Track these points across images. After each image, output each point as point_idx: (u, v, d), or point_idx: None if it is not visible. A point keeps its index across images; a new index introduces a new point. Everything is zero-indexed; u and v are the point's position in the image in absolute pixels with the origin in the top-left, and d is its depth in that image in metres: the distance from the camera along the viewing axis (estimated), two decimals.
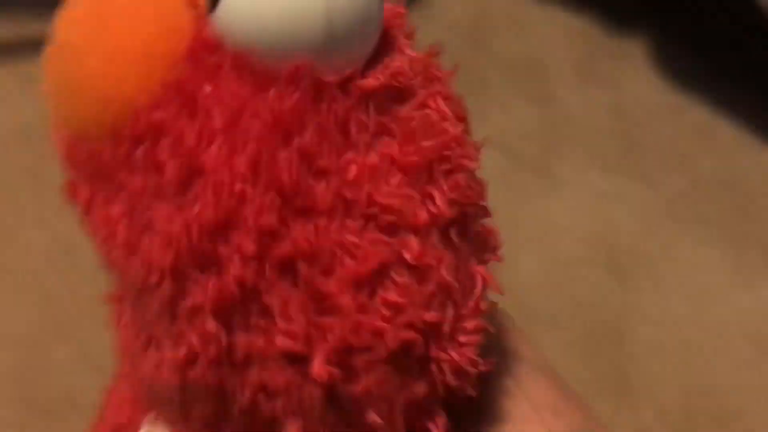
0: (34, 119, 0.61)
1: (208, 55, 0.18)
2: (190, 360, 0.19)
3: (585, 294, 0.58)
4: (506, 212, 0.60)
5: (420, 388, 0.20)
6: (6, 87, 0.67)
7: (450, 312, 0.20)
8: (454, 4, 0.84)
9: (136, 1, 0.18)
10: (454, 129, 0.20)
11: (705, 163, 0.67)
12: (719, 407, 0.52)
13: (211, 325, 0.18)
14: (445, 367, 0.20)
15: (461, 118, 0.21)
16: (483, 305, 0.21)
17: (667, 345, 0.55)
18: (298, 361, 0.18)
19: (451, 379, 0.20)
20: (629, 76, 0.75)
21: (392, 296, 0.18)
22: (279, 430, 0.19)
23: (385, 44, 0.20)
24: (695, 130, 0.69)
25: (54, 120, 0.19)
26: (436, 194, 0.19)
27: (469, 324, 0.20)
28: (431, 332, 0.19)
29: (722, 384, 0.53)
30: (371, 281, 0.18)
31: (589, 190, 0.65)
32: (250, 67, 0.18)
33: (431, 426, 0.21)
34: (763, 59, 0.73)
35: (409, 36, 0.21)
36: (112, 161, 0.18)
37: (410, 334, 0.19)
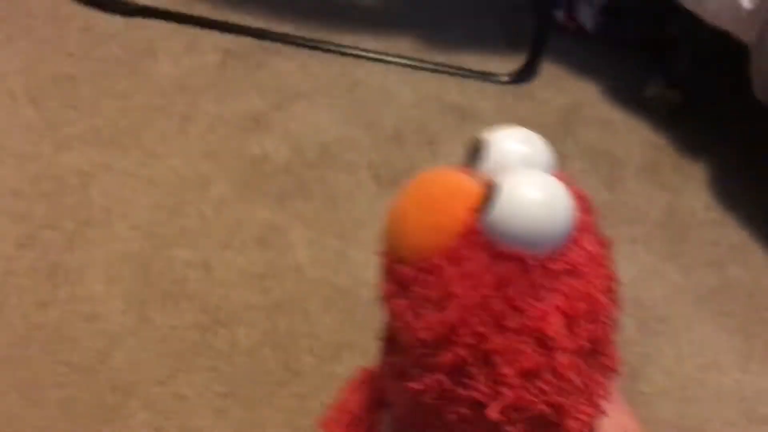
0: None
1: (472, 235, 0.32)
2: (424, 392, 0.33)
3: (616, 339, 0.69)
4: None
5: None
6: None
7: (573, 400, 0.32)
8: (555, 95, 0.98)
9: (443, 197, 0.33)
10: (600, 296, 0.34)
11: (735, 271, 0.78)
12: None
13: (441, 376, 0.32)
14: (565, 430, 0.33)
15: (610, 288, 0.36)
16: (599, 399, 0.34)
17: (672, 394, 0.66)
18: (482, 406, 0.32)
19: None
20: (687, 187, 0.88)
21: (542, 385, 0.32)
22: None
23: (573, 242, 0.34)
24: (733, 244, 0.81)
25: (385, 248, 0.35)
26: (581, 333, 0.32)
27: (587, 410, 0.33)
28: (560, 409, 0.32)
29: None
30: (532, 374, 0.31)
31: (633, 262, 0.77)
32: (492, 247, 0.32)
33: None
34: None
35: (595, 231, 0.36)
36: (409, 278, 0.33)
37: (547, 409, 0.32)
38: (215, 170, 0.78)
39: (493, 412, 0.32)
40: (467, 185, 0.33)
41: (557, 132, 0.92)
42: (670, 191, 0.87)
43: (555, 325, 0.32)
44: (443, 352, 0.32)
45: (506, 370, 0.32)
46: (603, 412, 0.34)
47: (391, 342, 0.37)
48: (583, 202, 0.35)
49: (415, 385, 0.33)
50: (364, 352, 0.38)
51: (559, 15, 1.11)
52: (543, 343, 0.32)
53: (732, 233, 0.83)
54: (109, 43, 0.93)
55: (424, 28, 1.06)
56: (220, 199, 0.75)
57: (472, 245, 0.32)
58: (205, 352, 0.62)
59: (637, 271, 0.76)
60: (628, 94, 1.00)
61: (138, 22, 0.97)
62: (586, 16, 1.10)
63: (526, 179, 0.32)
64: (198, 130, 0.83)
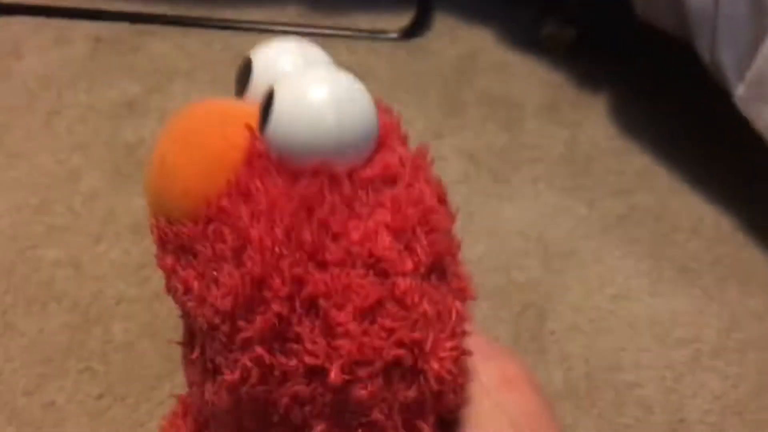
0: None
1: (258, 160, 0.27)
2: (243, 379, 0.26)
3: (519, 278, 0.66)
4: (468, 208, 0.69)
5: (411, 393, 0.27)
6: None
7: (431, 334, 0.27)
8: (448, 47, 0.95)
9: (210, 127, 0.27)
10: (431, 201, 0.29)
11: (641, 197, 0.76)
12: (619, 380, 0.59)
13: (259, 351, 0.26)
14: (429, 376, 0.27)
15: (440, 195, 0.30)
16: (459, 330, 0.28)
17: (582, 327, 0.63)
18: (319, 374, 0.26)
19: (434, 386, 0.27)
20: (588, 120, 0.85)
21: (387, 322, 0.26)
22: (309, 430, 0.26)
23: (382, 145, 0.29)
24: (637, 171, 0.79)
25: (150, 210, 0.28)
26: (418, 248, 0.27)
27: (447, 344, 0.27)
28: (416, 349, 0.26)
29: (624, 362, 0.60)
30: (371, 312, 0.26)
31: (537, 200, 0.74)
32: (286, 167, 0.27)
33: (422, 425, 0.27)
34: (707, 119, 0.84)
35: (403, 139, 0.30)
36: (191, 237, 0.27)
37: (400, 351, 0.26)
38: (85, 163, 0.73)
39: (335, 376, 0.25)
40: (236, 108, 0.28)
41: (454, 82, 0.88)
42: (570, 127, 0.84)
43: (385, 244, 0.26)
44: (253, 317, 0.26)
45: (338, 316, 0.26)
46: (467, 350, 0.28)
47: (190, 337, 0.30)
48: (382, 106, 0.30)
49: (230, 377, 0.27)
50: None
51: None
52: (376, 269, 0.26)
53: (636, 160, 0.81)
54: None
55: None
56: (92, 191, 0.70)
57: (258, 173, 0.26)
58: (76, 353, 0.57)
59: (540, 209, 0.73)
60: (523, 37, 0.98)
61: (2, 20, 0.91)
62: None
63: (306, 76, 0.27)
64: (66, 124, 0.78)
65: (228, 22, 0.96)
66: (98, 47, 0.89)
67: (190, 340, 0.31)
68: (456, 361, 0.28)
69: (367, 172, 0.28)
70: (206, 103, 0.28)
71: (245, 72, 0.29)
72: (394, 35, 0.95)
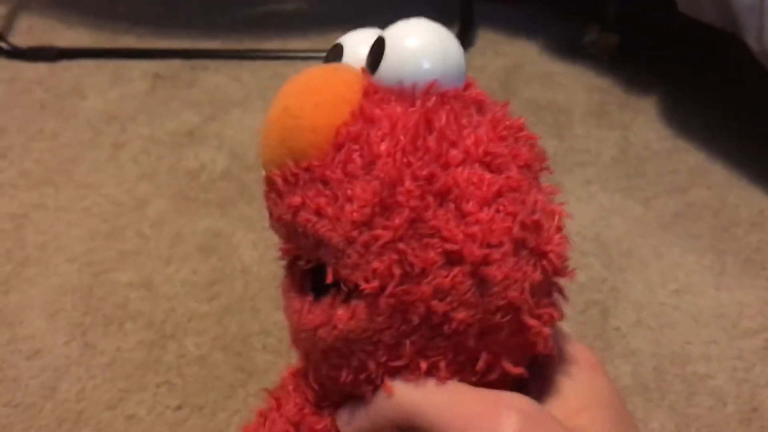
0: None
1: (374, 93, 0.29)
2: (383, 286, 0.27)
3: (581, 277, 0.66)
4: None
5: (537, 275, 0.28)
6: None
7: (545, 222, 0.28)
8: (494, 59, 0.97)
9: (327, 74, 0.30)
10: (518, 119, 0.31)
11: (697, 193, 0.76)
12: (688, 372, 0.59)
13: (401, 247, 0.27)
14: (552, 257, 0.28)
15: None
16: (562, 225, 0.30)
17: (647, 323, 0.63)
18: (457, 261, 0.27)
19: (555, 264, 0.28)
20: (638, 123, 0.85)
21: (509, 208, 0.28)
22: (448, 324, 0.27)
23: (468, 85, 0.31)
24: (692, 168, 0.79)
25: (272, 162, 0.29)
26: (519, 151, 0.29)
27: (557, 235, 0.29)
28: (537, 231, 0.28)
29: (692, 355, 0.60)
30: (494, 201, 0.28)
31: (591, 202, 0.74)
32: (401, 96, 0.29)
33: (552, 310, 0.29)
34: (757, 115, 0.83)
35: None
36: (322, 166, 0.29)
37: (525, 233, 0.28)
38: (151, 190, 0.76)
39: (475, 252, 0.27)
40: (344, 66, 0.30)
41: (499, 93, 0.90)
42: (619, 129, 0.85)
43: (496, 145, 0.29)
44: (391, 219, 0.27)
45: (467, 206, 0.27)
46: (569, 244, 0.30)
47: (304, 280, 0.31)
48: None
49: (370, 286, 0.27)
50: None
51: None
52: (491, 167, 0.28)
53: (689, 158, 0.80)
54: (34, 90, 0.91)
55: (352, 21, 1.05)
56: (159, 216, 0.73)
57: (377, 103, 0.29)
58: (153, 368, 0.59)
59: (596, 211, 0.74)
60: (566, 46, 0.99)
61: (63, 65, 0.96)
62: None
63: (406, 22, 0.30)
64: (130, 155, 0.81)
65: (275, 52, 0.99)
66: (156, 83, 0.93)
67: (304, 286, 0.32)
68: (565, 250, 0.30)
69: (468, 95, 0.30)
70: (316, 66, 0.30)
71: (336, 55, 0.31)
72: None
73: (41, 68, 0.95)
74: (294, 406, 0.33)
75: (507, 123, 0.30)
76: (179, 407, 0.57)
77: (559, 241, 0.29)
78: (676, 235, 0.71)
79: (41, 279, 0.67)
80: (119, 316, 0.63)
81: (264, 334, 0.62)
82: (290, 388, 0.34)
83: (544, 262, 0.28)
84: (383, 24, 0.31)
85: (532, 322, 0.28)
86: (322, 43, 1.00)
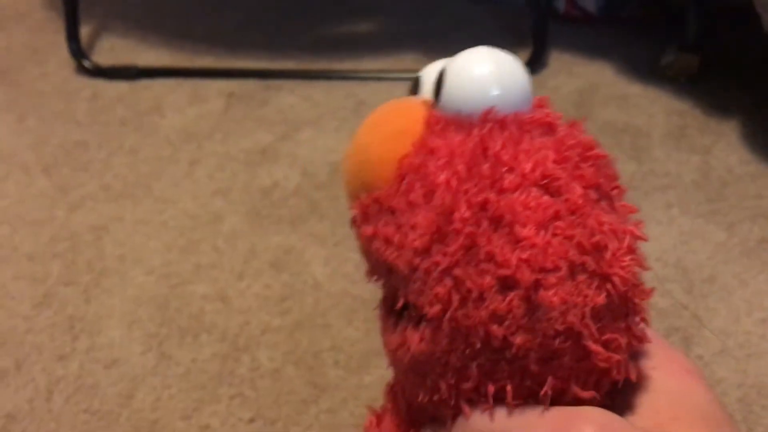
0: None
1: (436, 124, 0.30)
2: (445, 309, 0.28)
3: (661, 304, 0.64)
4: None
5: (600, 299, 0.27)
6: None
7: (609, 243, 0.28)
8: (568, 80, 0.95)
9: (393, 110, 0.32)
10: (588, 139, 0.30)
11: None
12: None
13: (457, 272, 0.28)
14: (616, 280, 0.27)
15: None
16: (634, 246, 0.29)
17: (732, 352, 0.60)
18: (511, 286, 0.27)
19: (620, 288, 0.27)
20: (720, 146, 0.83)
21: (567, 231, 0.27)
22: (509, 349, 0.27)
23: (536, 106, 0.31)
24: None
25: (352, 195, 0.32)
26: (584, 172, 0.29)
27: (627, 257, 0.28)
28: (598, 254, 0.27)
29: None
30: (551, 224, 0.28)
31: (671, 226, 0.72)
32: (461, 125, 0.30)
33: (622, 336, 0.28)
34: None
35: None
36: (388, 196, 0.30)
37: (583, 256, 0.27)
38: (226, 206, 0.78)
39: (526, 276, 0.27)
40: (411, 100, 0.32)
41: (573, 115, 0.88)
42: (700, 153, 0.82)
43: (556, 168, 0.28)
44: (448, 245, 0.28)
45: (522, 231, 0.27)
46: (646, 264, 0.29)
47: (391, 306, 0.32)
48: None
49: (432, 309, 0.28)
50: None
51: (561, 6, 1.09)
52: (549, 190, 0.28)
53: None
54: (115, 107, 0.94)
55: (424, 42, 1.05)
56: (233, 232, 0.74)
57: (438, 133, 0.30)
58: (227, 380, 0.60)
59: (676, 235, 0.71)
60: (643, 68, 0.97)
61: (142, 83, 0.99)
62: (588, 1, 1.08)
63: (468, 51, 0.31)
64: (206, 172, 0.83)
65: (349, 72, 1.00)
66: (231, 102, 0.95)
67: (390, 309, 0.32)
68: (635, 269, 0.28)
69: (530, 118, 0.30)
70: (386, 103, 0.32)
71: (415, 88, 0.32)
72: None
73: (122, 86, 0.98)
74: (391, 422, 0.35)
75: (572, 143, 0.29)
76: (252, 420, 0.57)
77: (628, 264, 0.28)
78: (762, 262, 0.68)
79: (119, 290, 0.68)
80: (194, 327, 0.64)
81: (336, 350, 0.62)
82: (389, 405, 0.35)
83: (609, 286, 0.28)
84: (455, 45, 0.32)
85: (595, 347, 0.28)
86: (395, 63, 1.01)
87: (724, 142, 0.84)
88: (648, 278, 0.66)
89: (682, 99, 0.91)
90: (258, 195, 0.79)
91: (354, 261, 0.69)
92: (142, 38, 1.09)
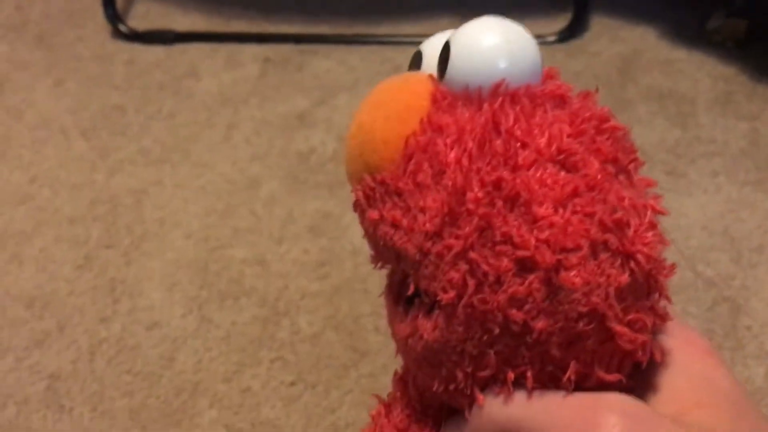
0: None
1: (443, 100, 0.28)
2: (460, 295, 0.27)
3: (708, 273, 0.63)
4: None
5: (623, 278, 0.26)
6: None
7: (632, 220, 0.26)
8: (610, 45, 0.93)
9: (396, 87, 0.29)
10: (603, 112, 0.29)
11: None
12: None
13: (472, 256, 0.26)
14: (639, 257, 0.26)
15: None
16: (655, 222, 0.27)
17: None
18: (530, 269, 0.26)
19: (644, 265, 0.26)
20: (767, 112, 0.80)
21: (587, 209, 0.26)
22: (529, 334, 0.26)
23: (546, 77, 0.29)
24: None
25: (354, 177, 0.30)
26: (601, 146, 0.27)
27: (649, 233, 0.27)
28: (620, 231, 0.26)
29: None
30: (569, 202, 0.26)
31: (718, 195, 0.71)
32: (467, 99, 0.28)
33: (646, 316, 0.27)
34: None
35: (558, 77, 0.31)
36: (394, 178, 0.28)
37: (606, 234, 0.26)
38: (264, 171, 0.77)
39: (546, 257, 0.25)
40: (415, 75, 0.30)
41: (617, 80, 0.86)
42: (748, 119, 0.80)
43: (571, 143, 0.27)
44: (462, 228, 0.26)
45: (539, 210, 0.26)
46: (667, 241, 0.27)
47: (398, 293, 0.31)
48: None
49: (447, 296, 0.27)
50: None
51: None
52: (566, 165, 0.26)
53: None
54: (152, 72, 0.94)
55: (461, 6, 1.03)
56: (271, 196, 0.74)
57: (445, 110, 0.28)
58: (268, 344, 0.60)
59: (723, 203, 0.70)
60: (689, 32, 0.94)
61: (178, 48, 0.98)
62: None
63: (474, 21, 0.28)
64: (244, 136, 0.82)
65: (385, 37, 0.99)
66: (267, 67, 0.94)
67: (398, 297, 0.31)
68: (658, 247, 0.27)
69: (542, 90, 0.28)
70: (387, 79, 0.30)
71: (416, 62, 0.30)
72: (552, 38, 0.95)
73: (158, 51, 0.98)
74: (401, 412, 0.33)
75: (587, 115, 0.28)
76: (293, 383, 0.57)
77: (650, 240, 0.26)
78: None
79: (159, 253, 0.68)
80: (234, 291, 0.64)
81: (375, 315, 0.61)
82: (398, 394, 0.34)
83: (632, 264, 0.26)
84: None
85: (620, 328, 0.26)
86: (432, 28, 0.98)
87: None
88: (692, 248, 0.64)
89: (728, 64, 0.88)
90: (295, 160, 0.78)
91: None
92: (176, 3, 1.08)
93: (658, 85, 0.85)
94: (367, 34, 1.00)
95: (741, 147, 0.76)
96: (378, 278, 0.64)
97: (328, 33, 1.01)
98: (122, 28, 1.01)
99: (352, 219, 0.71)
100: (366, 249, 0.67)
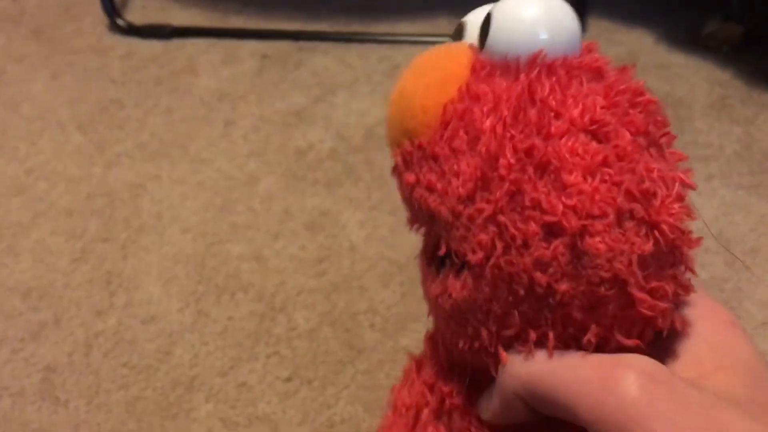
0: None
1: (481, 69, 0.29)
2: (488, 257, 0.27)
3: (703, 276, 0.63)
4: None
5: (647, 246, 0.26)
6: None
7: (660, 191, 0.27)
8: (607, 48, 0.94)
9: (437, 55, 0.30)
10: (638, 85, 0.29)
11: None
12: None
13: (502, 219, 0.27)
14: (664, 227, 0.26)
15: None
16: (683, 194, 0.27)
17: None
18: (557, 233, 0.26)
19: (668, 235, 0.26)
20: (762, 118, 0.81)
21: (615, 178, 0.26)
22: (553, 297, 0.27)
23: (586, 50, 0.30)
24: None
25: (394, 142, 0.31)
26: (634, 118, 0.28)
27: (675, 204, 0.27)
28: (646, 201, 0.26)
29: None
30: (598, 171, 0.27)
31: (713, 198, 0.71)
32: (505, 69, 0.29)
33: (668, 284, 0.27)
34: None
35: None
36: (431, 143, 0.29)
37: (633, 203, 0.26)
38: (261, 167, 0.77)
39: (572, 223, 0.26)
40: (456, 45, 0.30)
41: None
42: (742, 124, 0.81)
43: (608, 112, 0.27)
44: (493, 192, 0.27)
45: (569, 178, 0.26)
46: (695, 214, 0.27)
47: (431, 252, 0.32)
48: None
49: (475, 257, 0.28)
50: (430, 323, 0.34)
51: None
52: (597, 136, 0.27)
53: None
54: (150, 66, 0.94)
55: (460, 6, 1.03)
56: (268, 193, 0.74)
57: (484, 79, 0.28)
58: (264, 339, 0.60)
59: (718, 207, 0.70)
60: (685, 37, 0.95)
61: (176, 42, 0.98)
62: None
63: None
64: (242, 133, 0.82)
65: (383, 35, 0.99)
66: (265, 63, 0.94)
67: (431, 258, 0.32)
68: (685, 218, 0.27)
69: (577, 62, 0.29)
70: (429, 48, 0.31)
71: (459, 33, 0.31)
72: None
73: (155, 45, 0.98)
74: (430, 369, 0.34)
75: (621, 88, 0.28)
76: (289, 379, 0.57)
77: (677, 211, 0.27)
78: None
79: (156, 247, 0.68)
80: (231, 286, 0.64)
81: (372, 312, 0.62)
82: (428, 352, 0.35)
83: (656, 233, 0.27)
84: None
85: (641, 295, 0.27)
86: (429, 27, 0.99)
87: (767, 114, 0.82)
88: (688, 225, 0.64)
89: (724, 69, 0.89)
90: (293, 157, 0.79)
91: (389, 225, 0.69)
92: None
93: (654, 89, 0.85)
94: (365, 32, 1.00)
95: (736, 151, 0.77)
96: (374, 276, 0.65)
97: (327, 30, 1.01)
98: (119, 21, 1.01)
99: (349, 216, 0.71)
100: (362, 247, 0.67)
